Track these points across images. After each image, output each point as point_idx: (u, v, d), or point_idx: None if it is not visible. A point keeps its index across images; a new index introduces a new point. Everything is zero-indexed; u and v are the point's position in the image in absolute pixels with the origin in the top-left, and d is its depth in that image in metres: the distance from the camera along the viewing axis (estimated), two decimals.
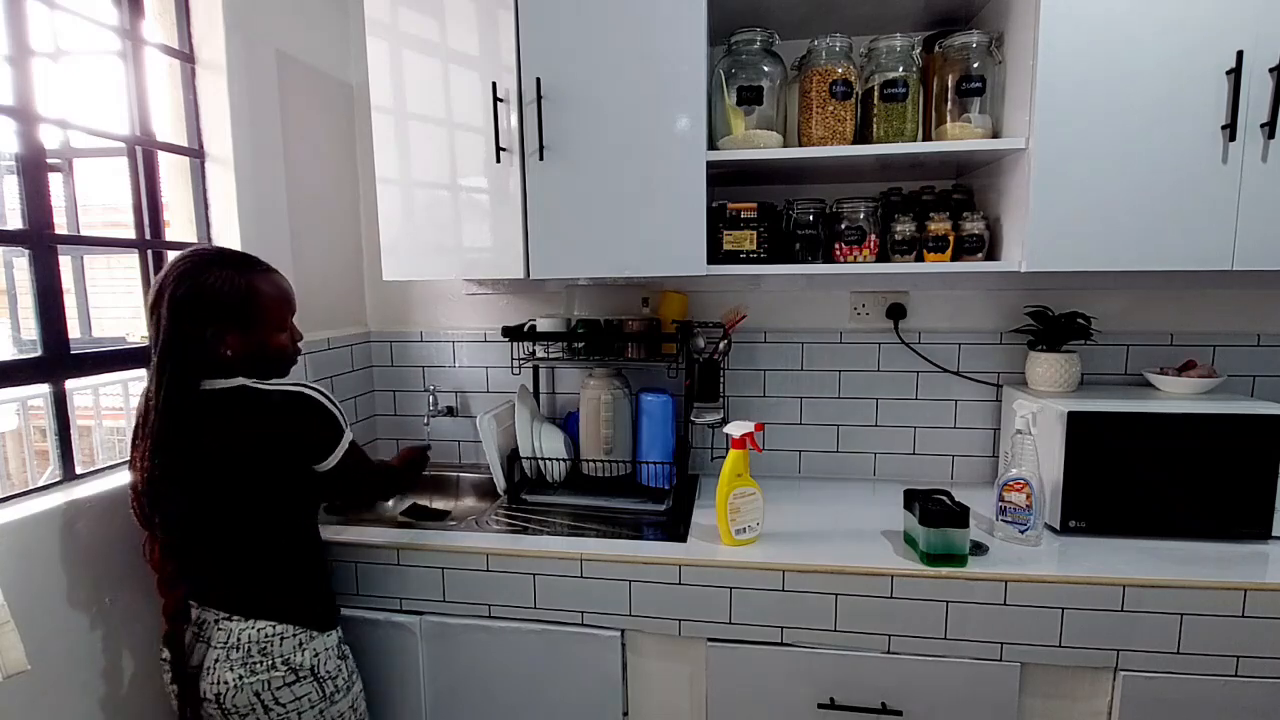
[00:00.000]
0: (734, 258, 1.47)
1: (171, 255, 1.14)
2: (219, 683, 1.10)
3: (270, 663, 1.11)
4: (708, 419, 1.61)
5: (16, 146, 1.16)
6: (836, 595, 1.24)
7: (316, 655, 1.16)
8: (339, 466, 1.17)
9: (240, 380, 1.11)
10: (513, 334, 1.65)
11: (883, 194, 1.59)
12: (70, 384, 1.25)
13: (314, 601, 1.20)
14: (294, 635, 1.14)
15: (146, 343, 1.38)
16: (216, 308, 1.08)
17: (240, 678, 1.10)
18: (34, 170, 1.18)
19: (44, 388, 1.21)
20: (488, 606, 1.36)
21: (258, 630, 1.11)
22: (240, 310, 1.10)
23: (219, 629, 1.12)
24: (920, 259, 1.45)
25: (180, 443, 1.06)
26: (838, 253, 1.47)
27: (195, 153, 1.49)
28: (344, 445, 1.17)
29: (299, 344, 1.24)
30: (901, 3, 1.46)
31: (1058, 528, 1.39)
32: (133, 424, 1.13)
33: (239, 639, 1.11)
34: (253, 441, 1.08)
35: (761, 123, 1.44)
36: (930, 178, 1.66)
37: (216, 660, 1.11)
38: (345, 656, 1.23)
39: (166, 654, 1.13)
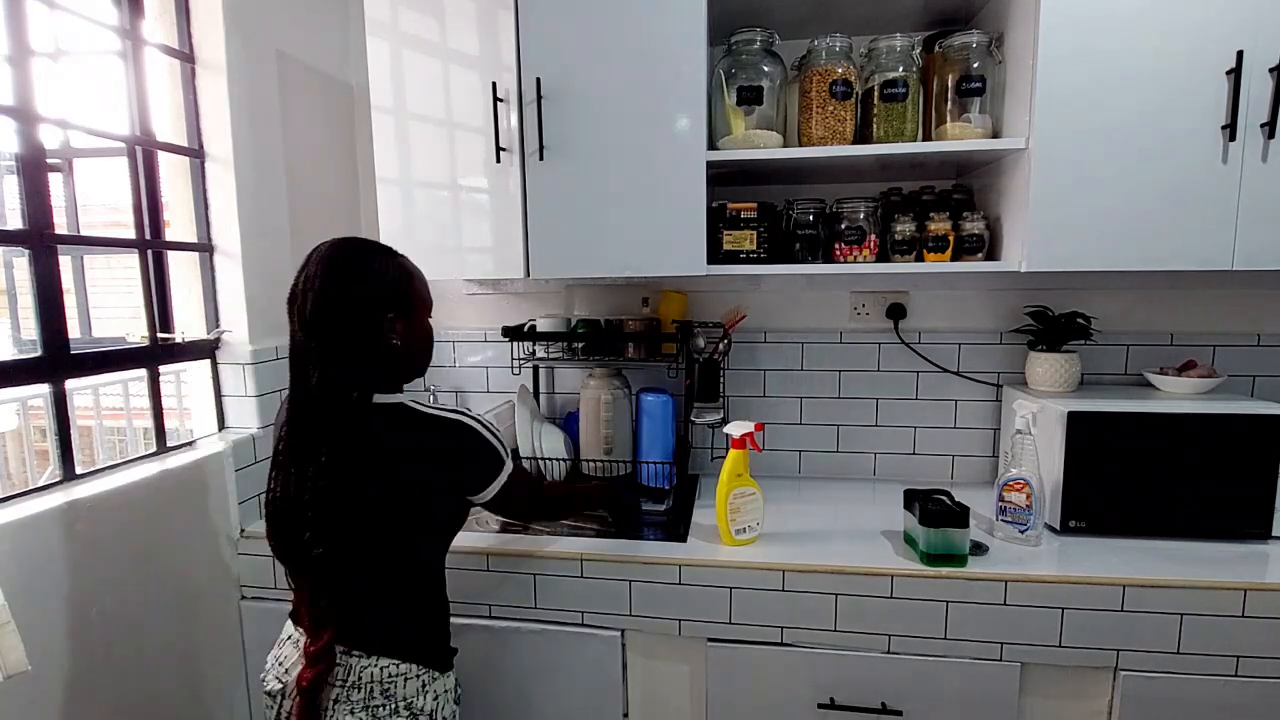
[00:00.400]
0: (734, 258, 1.47)
1: (312, 251, 1.04)
2: None
3: (394, 706, 1.00)
4: (708, 419, 1.61)
5: (16, 146, 1.15)
6: (836, 595, 1.24)
7: (437, 699, 1.05)
8: (496, 498, 1.12)
9: (400, 398, 1.04)
10: (513, 334, 1.65)
11: (883, 194, 1.59)
12: (70, 384, 1.24)
13: (438, 639, 1.10)
14: (418, 676, 1.03)
15: (146, 343, 1.40)
16: (389, 294, 1.02)
17: None
18: (34, 170, 1.18)
19: (44, 388, 1.20)
20: (488, 606, 1.36)
21: (380, 669, 1.00)
22: (405, 295, 1.05)
23: (338, 665, 1.00)
24: (920, 259, 1.45)
25: (351, 460, 0.97)
26: (838, 253, 1.47)
27: (195, 153, 1.49)
28: (503, 478, 1.10)
29: None
30: (901, 3, 1.46)
31: (1058, 528, 1.39)
32: (274, 438, 1.04)
33: (360, 677, 1.00)
34: (415, 465, 1.01)
35: (761, 123, 1.44)
36: (930, 178, 1.66)
37: (335, 699, 0.99)
38: (460, 702, 1.12)
39: (272, 686, 1.04)
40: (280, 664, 1.05)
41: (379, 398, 1.02)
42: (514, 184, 1.45)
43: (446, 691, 1.08)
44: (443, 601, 1.13)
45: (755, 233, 1.46)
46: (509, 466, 1.12)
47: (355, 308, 0.99)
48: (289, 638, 1.07)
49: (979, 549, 1.28)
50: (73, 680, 1.16)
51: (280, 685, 1.03)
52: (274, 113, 1.60)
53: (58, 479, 1.24)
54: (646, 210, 1.41)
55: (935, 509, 1.24)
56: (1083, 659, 1.19)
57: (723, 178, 1.63)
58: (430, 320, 1.12)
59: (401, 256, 1.08)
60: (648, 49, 1.37)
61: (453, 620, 1.37)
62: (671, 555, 1.31)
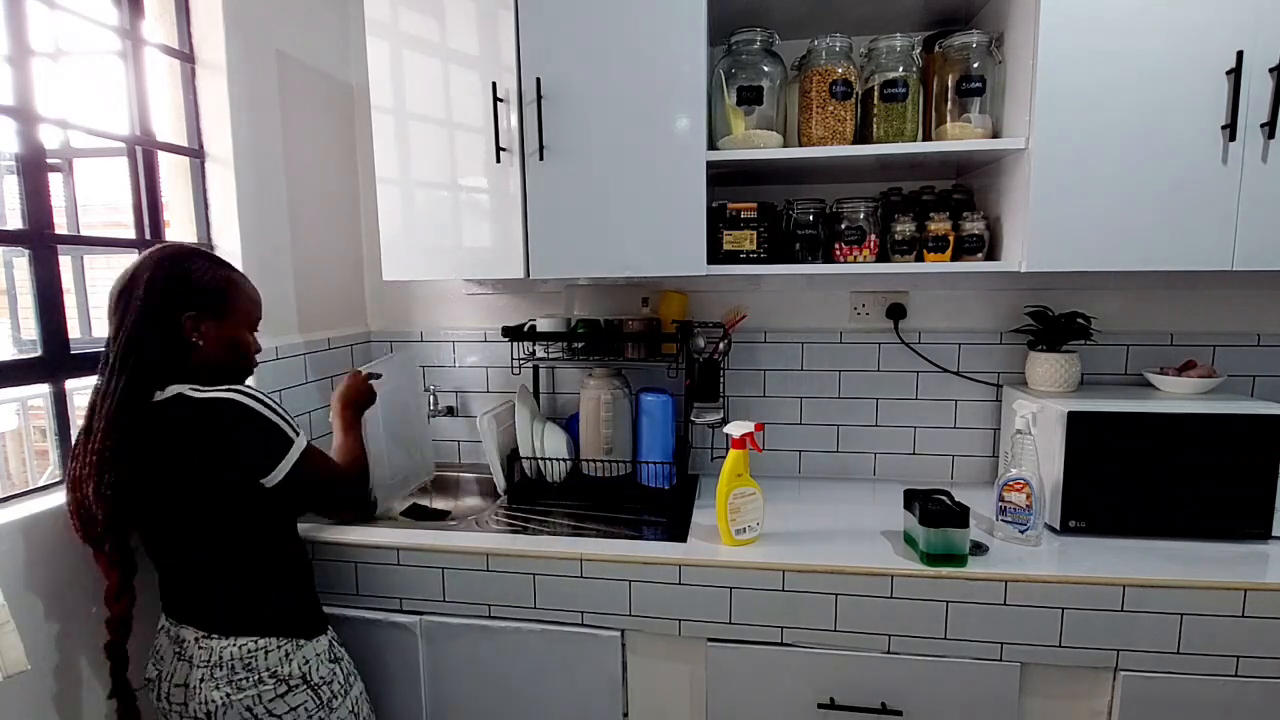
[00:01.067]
0: (734, 258, 1.47)
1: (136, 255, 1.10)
2: (207, 702, 1.06)
3: (257, 677, 1.07)
4: (708, 419, 1.61)
5: (16, 146, 1.15)
6: (836, 595, 1.24)
7: (306, 663, 1.12)
8: (288, 480, 1.07)
9: (176, 388, 1.03)
10: (513, 334, 1.65)
11: (883, 194, 1.59)
12: (70, 384, 1.24)
13: (296, 611, 1.15)
14: (279, 647, 1.09)
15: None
16: (198, 293, 1.07)
17: (228, 695, 1.06)
18: (34, 170, 1.18)
19: (44, 388, 1.21)
20: (488, 606, 1.36)
21: (239, 647, 1.07)
22: (218, 298, 1.09)
23: (199, 647, 1.07)
24: (920, 259, 1.45)
25: (130, 456, 1.01)
26: (838, 253, 1.46)
27: (195, 153, 1.49)
28: (293, 456, 1.07)
29: (257, 354, 1.19)
30: (901, 3, 1.46)
31: (1058, 528, 1.39)
32: (75, 431, 1.07)
33: (220, 657, 1.06)
34: (189, 456, 1.02)
35: (761, 123, 1.44)
36: (930, 178, 1.66)
37: (201, 680, 1.06)
38: (338, 660, 1.19)
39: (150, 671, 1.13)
40: (156, 653, 1.13)
41: (158, 395, 1.03)
42: (514, 184, 1.45)
43: (317, 655, 1.14)
44: (295, 573, 1.17)
45: (755, 233, 1.46)
46: (301, 444, 1.09)
47: (160, 301, 1.04)
48: (162, 628, 1.14)
49: (979, 549, 1.28)
50: (73, 680, 1.15)
51: (156, 672, 1.12)
52: (274, 113, 1.60)
53: (58, 479, 1.23)
54: (646, 210, 1.41)
55: (935, 509, 1.24)
56: (1083, 659, 1.19)
57: (723, 178, 1.63)
58: (250, 337, 1.16)
59: (237, 272, 1.15)
60: (648, 49, 1.37)
61: (453, 620, 1.37)
62: (671, 555, 1.31)
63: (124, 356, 1.02)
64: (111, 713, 1.22)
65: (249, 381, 1.16)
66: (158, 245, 1.11)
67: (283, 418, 1.08)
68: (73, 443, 1.07)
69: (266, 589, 1.12)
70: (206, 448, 1.02)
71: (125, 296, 1.04)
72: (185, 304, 1.06)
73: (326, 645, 1.18)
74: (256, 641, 1.08)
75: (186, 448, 1.02)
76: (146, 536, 1.10)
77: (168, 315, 1.04)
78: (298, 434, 1.10)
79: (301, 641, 1.13)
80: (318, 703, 1.12)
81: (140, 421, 1.01)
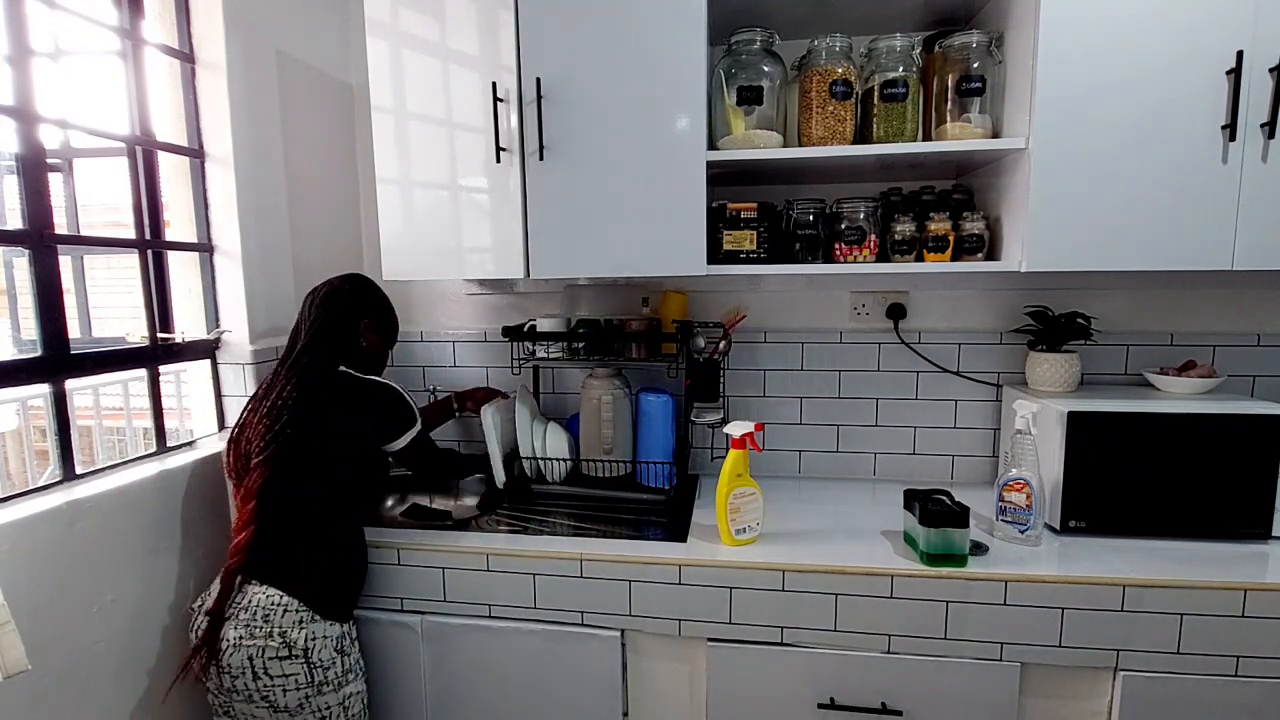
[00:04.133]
0: (734, 258, 1.47)
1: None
2: (223, 638, 1.17)
3: (269, 630, 1.16)
4: (708, 419, 1.61)
5: (16, 146, 1.15)
6: (836, 595, 1.24)
7: (314, 639, 1.18)
8: (408, 447, 1.39)
9: (344, 369, 1.35)
10: (513, 334, 1.65)
11: (883, 194, 1.59)
12: (70, 384, 1.25)
13: (328, 588, 1.24)
14: (295, 611, 1.18)
15: (146, 343, 1.40)
16: (376, 309, 1.44)
17: (240, 638, 1.16)
18: (34, 170, 1.18)
19: (44, 388, 1.21)
20: (488, 606, 1.36)
21: (267, 596, 1.18)
22: (386, 318, 1.47)
23: (241, 591, 1.20)
24: (920, 259, 1.45)
25: (306, 406, 1.25)
26: (838, 253, 1.47)
27: (195, 153, 1.49)
28: (413, 433, 1.39)
29: (388, 364, 1.52)
30: (901, 3, 1.46)
31: (1058, 528, 1.39)
32: (255, 390, 1.37)
33: (250, 600, 1.18)
34: (346, 412, 1.30)
35: (761, 123, 1.44)
36: (930, 178, 1.66)
37: (228, 617, 1.18)
38: (344, 653, 1.24)
39: (207, 596, 1.24)
40: (209, 591, 1.25)
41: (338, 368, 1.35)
42: (514, 184, 1.45)
43: (326, 637, 1.21)
44: (345, 556, 1.30)
45: (755, 233, 1.46)
46: (419, 425, 1.42)
47: (348, 307, 1.40)
48: (228, 570, 1.23)
49: (979, 549, 1.28)
50: (73, 680, 1.16)
51: (200, 602, 1.25)
52: (274, 113, 1.60)
53: (58, 479, 1.24)
54: (646, 210, 1.41)
55: (935, 509, 1.24)
56: (1083, 659, 1.19)
57: (723, 178, 1.63)
58: (388, 350, 1.51)
59: (390, 305, 1.50)
60: (648, 49, 1.37)
61: (453, 619, 1.37)
62: (671, 555, 1.31)
63: (318, 337, 1.34)
64: (112, 712, 1.23)
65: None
66: (350, 273, 1.46)
67: (414, 406, 1.41)
68: (245, 404, 1.36)
69: (312, 556, 1.24)
70: (361, 411, 1.32)
71: (324, 300, 1.38)
72: (365, 313, 1.41)
73: (339, 634, 1.23)
74: (281, 596, 1.18)
75: (347, 407, 1.31)
76: (270, 478, 1.22)
77: (353, 318, 1.39)
78: (419, 419, 1.41)
79: (316, 616, 1.20)
80: (308, 680, 1.18)
81: (319, 385, 1.30)
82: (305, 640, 1.17)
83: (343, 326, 1.37)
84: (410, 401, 1.40)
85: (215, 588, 1.22)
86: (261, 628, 1.16)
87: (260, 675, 1.15)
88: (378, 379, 1.38)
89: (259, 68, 1.55)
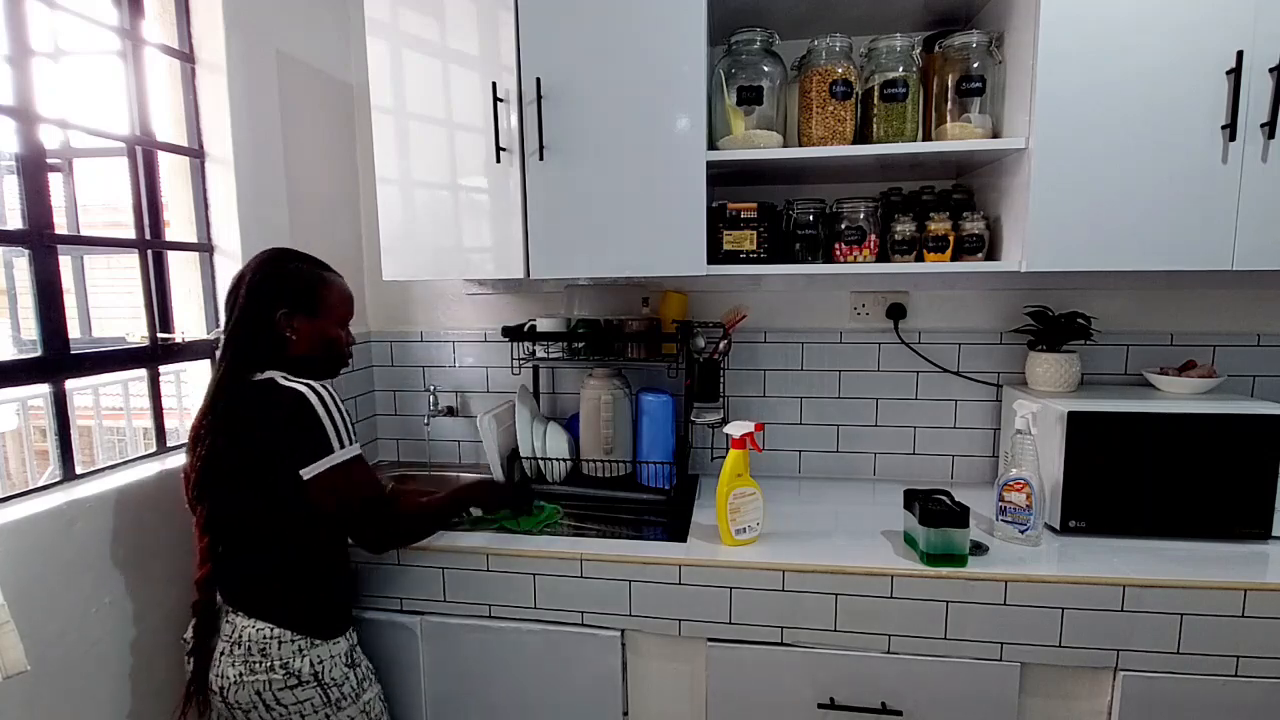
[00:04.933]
0: (734, 258, 1.47)
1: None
2: (222, 676, 1.12)
3: (269, 664, 1.11)
4: (708, 419, 1.61)
5: (16, 146, 1.15)
6: (836, 595, 1.24)
7: (321, 662, 1.14)
8: (318, 481, 1.09)
9: (270, 374, 1.14)
10: (513, 334, 1.65)
11: (883, 194, 1.59)
12: (70, 384, 1.24)
13: (317, 609, 1.17)
14: (292, 641, 1.12)
15: (146, 343, 1.40)
16: (290, 292, 1.18)
17: (240, 675, 1.11)
18: (34, 170, 1.18)
19: (44, 388, 1.21)
20: (488, 606, 1.36)
21: (257, 630, 1.12)
22: (310, 296, 1.20)
23: (226, 621, 1.14)
24: (920, 259, 1.45)
25: (216, 430, 1.11)
26: (838, 253, 1.46)
27: (195, 153, 1.49)
28: (330, 462, 1.10)
29: (351, 347, 1.30)
30: (901, 3, 1.46)
31: (1058, 528, 1.39)
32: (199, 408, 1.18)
33: (241, 635, 1.12)
34: (252, 432, 1.10)
35: (761, 123, 1.44)
36: (930, 178, 1.66)
37: (222, 653, 1.13)
38: (355, 665, 1.20)
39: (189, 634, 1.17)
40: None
41: (257, 376, 1.14)
42: (514, 184, 1.45)
43: (334, 657, 1.16)
44: (327, 572, 1.20)
45: (755, 233, 1.46)
46: (343, 455, 1.12)
47: (257, 298, 1.15)
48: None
49: (979, 549, 1.28)
50: (73, 680, 1.16)
51: (193, 634, 1.17)
52: (274, 113, 1.60)
53: (58, 479, 1.24)
54: (646, 210, 1.41)
55: (935, 509, 1.24)
56: (1083, 659, 1.19)
57: (723, 178, 1.63)
58: (341, 332, 1.26)
59: (331, 272, 1.25)
60: (648, 49, 1.37)
61: (453, 619, 1.37)
62: (671, 555, 1.31)
63: (226, 346, 1.15)
64: (111, 713, 1.23)
65: (342, 373, 1.29)
66: (264, 250, 1.22)
67: (336, 425, 1.12)
68: (196, 418, 1.18)
69: (294, 582, 1.15)
70: (265, 428, 1.10)
71: (233, 295, 1.17)
72: (279, 302, 1.16)
73: (345, 649, 1.19)
74: (272, 630, 1.12)
75: (253, 425, 1.10)
76: (211, 507, 1.13)
77: (264, 312, 1.15)
78: (346, 445, 1.13)
79: (316, 641, 1.15)
80: (325, 700, 1.14)
81: (230, 400, 1.12)
82: (311, 666, 1.13)
83: (254, 324, 1.14)
84: (332, 417, 1.11)
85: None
86: (260, 662, 1.10)
87: (273, 706, 1.11)
88: (296, 385, 1.11)
89: (259, 68, 1.55)
